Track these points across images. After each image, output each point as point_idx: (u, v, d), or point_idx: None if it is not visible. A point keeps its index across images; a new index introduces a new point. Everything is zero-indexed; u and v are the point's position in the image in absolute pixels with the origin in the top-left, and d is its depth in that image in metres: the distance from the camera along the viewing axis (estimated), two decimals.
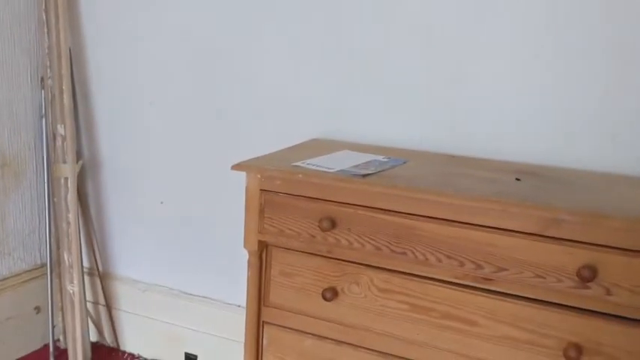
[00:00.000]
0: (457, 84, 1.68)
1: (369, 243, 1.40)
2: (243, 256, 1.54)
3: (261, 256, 1.53)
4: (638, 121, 1.50)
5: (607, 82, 1.52)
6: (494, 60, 1.62)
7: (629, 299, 1.18)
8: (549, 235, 1.23)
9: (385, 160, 1.59)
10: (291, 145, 1.72)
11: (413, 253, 1.36)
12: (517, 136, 1.63)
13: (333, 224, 1.42)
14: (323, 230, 1.43)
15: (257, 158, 1.54)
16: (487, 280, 1.29)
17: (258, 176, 1.47)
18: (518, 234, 1.25)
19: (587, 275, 1.19)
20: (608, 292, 1.19)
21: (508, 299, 1.29)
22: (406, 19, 1.70)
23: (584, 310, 1.22)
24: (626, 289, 1.18)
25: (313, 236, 1.45)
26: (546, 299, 1.25)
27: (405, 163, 1.57)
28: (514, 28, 1.59)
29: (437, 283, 1.36)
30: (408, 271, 1.38)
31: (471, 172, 1.49)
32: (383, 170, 1.49)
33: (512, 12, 1.58)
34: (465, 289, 1.33)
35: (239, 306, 1.98)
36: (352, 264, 1.44)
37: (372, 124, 1.80)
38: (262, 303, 1.56)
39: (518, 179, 1.42)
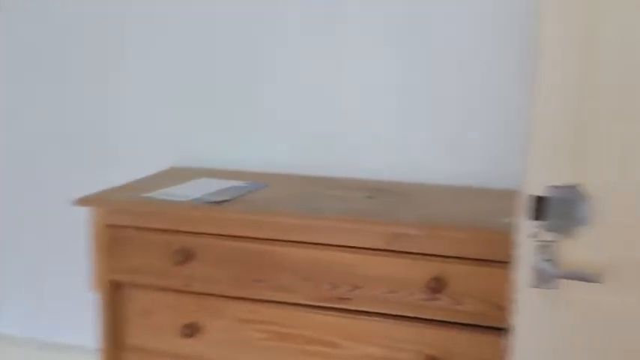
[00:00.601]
0: (312, 107, 1.69)
1: (228, 272, 1.35)
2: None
3: (114, 296, 1.43)
4: (480, 135, 1.58)
5: (445, 101, 1.59)
6: (347, 83, 1.66)
7: (477, 307, 1.21)
8: (398, 249, 1.25)
9: (245, 185, 1.55)
10: (147, 175, 1.64)
11: (271, 279, 1.32)
12: (372, 154, 1.66)
13: (189, 256, 1.36)
14: (177, 263, 1.36)
15: (104, 191, 1.45)
16: (343, 299, 1.28)
17: (103, 211, 1.38)
18: (369, 251, 1.26)
19: (437, 287, 1.22)
20: (458, 302, 1.22)
21: (364, 317, 1.29)
22: (255, 45, 1.70)
23: (437, 321, 1.25)
24: (474, 298, 1.22)
25: (168, 270, 1.37)
26: (400, 313, 1.26)
27: (265, 187, 1.55)
28: (358, 54, 1.63)
29: (297, 308, 1.33)
30: (268, 298, 1.35)
31: (327, 193, 1.49)
32: (241, 196, 1.45)
33: (355, 36, 1.63)
34: (324, 312, 1.31)
35: (98, 350, 1.84)
36: (212, 296, 1.38)
37: (234, 150, 1.76)
38: (119, 346, 1.45)
39: (370, 197, 1.44)
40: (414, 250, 1.24)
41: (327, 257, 1.29)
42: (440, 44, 1.57)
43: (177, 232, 1.37)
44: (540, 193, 0.90)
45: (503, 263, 1.18)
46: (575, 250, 0.90)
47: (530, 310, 0.93)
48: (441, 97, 1.60)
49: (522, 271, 0.92)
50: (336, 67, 1.66)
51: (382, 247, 1.25)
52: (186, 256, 1.35)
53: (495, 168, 1.56)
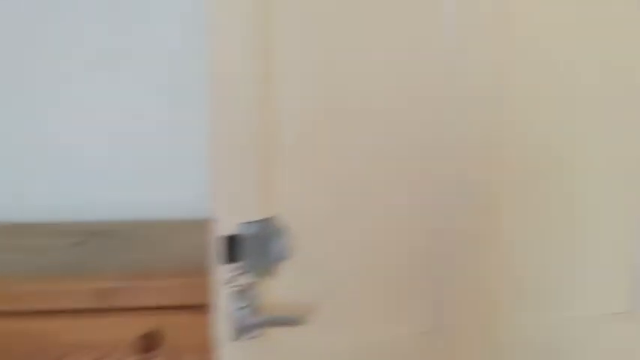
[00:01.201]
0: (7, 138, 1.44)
1: None
2: None
3: None
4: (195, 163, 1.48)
5: (159, 127, 1.47)
6: (55, 110, 1.45)
7: (199, 358, 1.09)
8: (105, 307, 1.07)
9: None
10: None
11: None
12: (81, 191, 1.46)
13: None
14: None
15: None
16: None
17: None
18: (70, 313, 1.06)
19: (151, 344, 1.07)
20: (178, 356, 1.09)
21: None
22: None
23: None
24: (194, 348, 1.09)
25: None
26: None
27: None
28: (87, 82, 1.44)
29: None
30: None
31: (21, 243, 1.25)
32: None
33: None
34: None
35: None
36: None
37: None
38: None
39: (77, 243, 1.24)
40: (126, 306, 1.08)
41: (20, 327, 1.06)
42: (144, 72, 1.45)
43: None
44: (232, 232, 0.81)
45: None
46: (277, 291, 0.83)
47: None
48: (152, 124, 1.47)
49: (221, 322, 0.82)
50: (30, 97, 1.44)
51: (87, 307, 1.06)
52: None
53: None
